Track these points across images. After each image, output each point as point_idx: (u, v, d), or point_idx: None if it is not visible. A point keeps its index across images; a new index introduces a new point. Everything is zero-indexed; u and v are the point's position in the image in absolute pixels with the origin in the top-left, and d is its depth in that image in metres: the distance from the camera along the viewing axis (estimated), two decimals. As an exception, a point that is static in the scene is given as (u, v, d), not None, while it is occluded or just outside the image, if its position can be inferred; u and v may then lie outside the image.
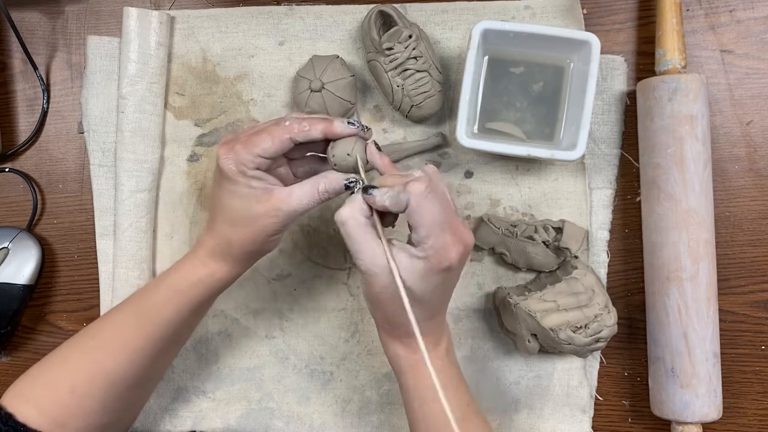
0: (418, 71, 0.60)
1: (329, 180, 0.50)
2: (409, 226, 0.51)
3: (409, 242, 0.49)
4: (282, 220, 0.50)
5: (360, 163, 0.51)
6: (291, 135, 0.50)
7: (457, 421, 0.46)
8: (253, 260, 0.54)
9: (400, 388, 0.53)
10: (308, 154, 0.53)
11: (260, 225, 0.50)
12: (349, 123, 0.51)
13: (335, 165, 0.51)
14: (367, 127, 0.52)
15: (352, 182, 0.50)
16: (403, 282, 0.47)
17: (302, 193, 0.50)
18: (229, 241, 0.52)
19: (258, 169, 0.50)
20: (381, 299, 0.49)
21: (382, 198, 0.47)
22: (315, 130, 0.50)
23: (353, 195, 0.49)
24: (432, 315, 0.50)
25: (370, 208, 0.48)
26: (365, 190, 0.48)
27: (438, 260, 0.47)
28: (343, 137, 0.51)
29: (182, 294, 0.53)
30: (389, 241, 0.48)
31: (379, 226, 0.48)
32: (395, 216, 0.51)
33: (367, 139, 0.52)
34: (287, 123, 0.51)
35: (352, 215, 0.48)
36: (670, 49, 0.60)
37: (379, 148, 0.52)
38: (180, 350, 0.60)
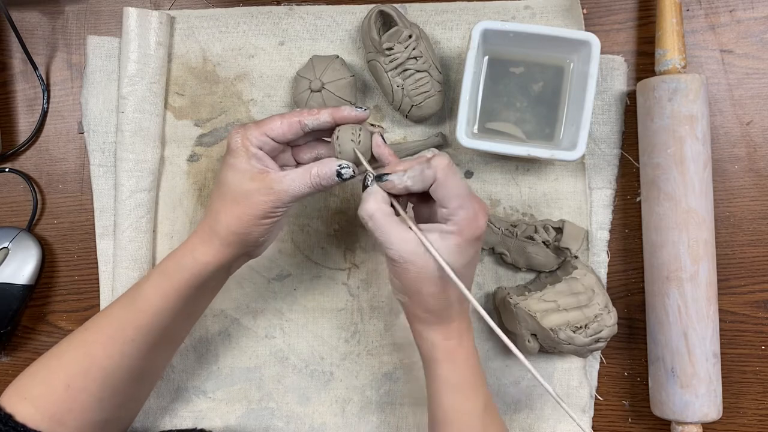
0: (418, 71, 0.60)
1: (322, 164, 0.50)
2: (416, 212, 0.52)
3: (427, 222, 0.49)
4: (272, 200, 0.50)
5: (361, 156, 0.51)
6: (300, 118, 0.51)
7: (482, 410, 0.46)
8: (239, 248, 0.52)
9: (431, 379, 0.53)
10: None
11: (250, 202, 0.50)
12: (357, 107, 0.52)
13: (339, 151, 0.52)
14: (379, 124, 0.53)
15: (344, 168, 0.50)
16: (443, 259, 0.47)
17: (295, 176, 0.50)
18: (217, 218, 0.51)
19: (261, 149, 0.51)
20: (418, 286, 0.49)
21: (402, 180, 0.48)
22: (324, 114, 0.52)
23: (370, 188, 0.49)
24: (462, 297, 0.50)
25: (390, 196, 0.49)
26: (379, 178, 0.49)
27: (471, 230, 0.47)
28: (351, 121, 0.52)
29: (169, 279, 0.52)
30: (417, 225, 0.48)
31: (401, 211, 0.49)
32: (405, 203, 0.51)
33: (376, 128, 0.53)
34: (298, 110, 0.53)
35: (377, 207, 0.48)
36: (670, 49, 0.60)
37: (384, 140, 0.52)
38: (176, 349, 0.60)
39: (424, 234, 0.48)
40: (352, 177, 0.51)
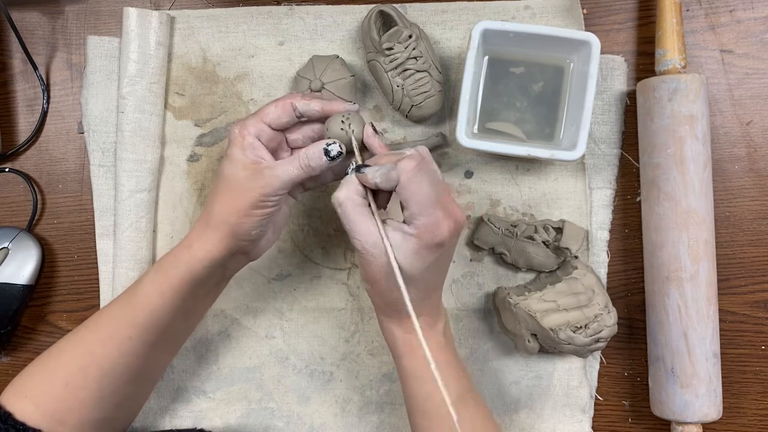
0: (418, 71, 0.60)
1: (310, 146, 0.51)
2: (401, 204, 0.52)
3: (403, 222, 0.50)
4: (262, 185, 0.50)
5: (354, 143, 0.52)
6: (293, 100, 0.53)
7: (453, 401, 0.46)
8: (231, 241, 0.51)
9: (398, 370, 0.54)
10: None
11: (241, 190, 0.50)
12: (347, 102, 0.54)
13: (328, 135, 0.52)
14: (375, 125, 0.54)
15: (330, 145, 0.51)
16: (397, 260, 0.47)
17: (285, 161, 0.51)
18: (212, 210, 0.51)
19: (259, 138, 0.52)
20: (377, 279, 0.49)
21: (374, 175, 0.48)
22: (315, 102, 0.53)
23: (348, 176, 0.50)
24: (427, 294, 0.51)
25: (365, 188, 0.49)
26: (358, 169, 0.49)
27: (430, 237, 0.47)
28: (339, 111, 0.53)
29: (165, 275, 0.52)
30: (383, 221, 0.49)
31: (373, 205, 0.49)
32: (388, 197, 0.51)
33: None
34: (292, 93, 0.54)
35: (348, 196, 0.49)
36: (670, 49, 0.60)
37: (375, 131, 0.52)
38: (176, 350, 0.60)
39: (388, 231, 0.48)
40: (340, 154, 0.51)
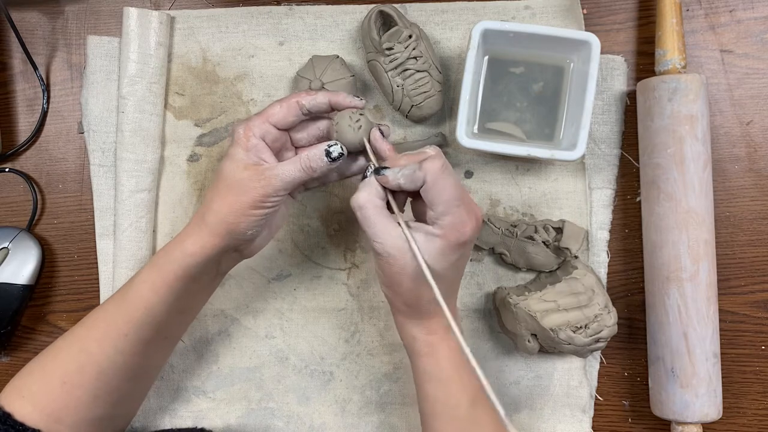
0: (418, 71, 0.60)
1: (312, 148, 0.51)
2: (413, 207, 0.53)
3: (420, 222, 0.50)
4: (263, 185, 0.50)
5: (367, 144, 0.51)
6: (298, 98, 0.52)
7: (469, 404, 0.46)
8: (227, 239, 0.51)
9: (415, 372, 0.53)
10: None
11: (242, 189, 0.50)
12: (354, 96, 0.53)
13: (338, 132, 0.52)
14: (386, 124, 0.54)
15: (332, 146, 0.51)
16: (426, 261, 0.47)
17: (288, 162, 0.51)
18: (209, 207, 0.51)
19: (264, 139, 0.51)
20: (399, 281, 0.49)
21: (396, 176, 0.48)
22: (321, 95, 0.53)
23: (367, 179, 0.50)
24: (448, 294, 0.51)
25: (385, 190, 0.49)
26: (377, 171, 0.49)
27: (455, 236, 0.47)
28: (346, 106, 0.53)
29: (159, 271, 0.52)
30: (406, 222, 0.49)
31: (395, 207, 0.49)
32: (405, 199, 0.52)
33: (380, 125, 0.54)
34: (296, 92, 0.53)
35: (368, 199, 0.48)
36: (670, 49, 0.60)
37: (383, 134, 0.52)
38: (172, 348, 0.60)
39: (411, 233, 0.48)
40: (341, 155, 0.51)
